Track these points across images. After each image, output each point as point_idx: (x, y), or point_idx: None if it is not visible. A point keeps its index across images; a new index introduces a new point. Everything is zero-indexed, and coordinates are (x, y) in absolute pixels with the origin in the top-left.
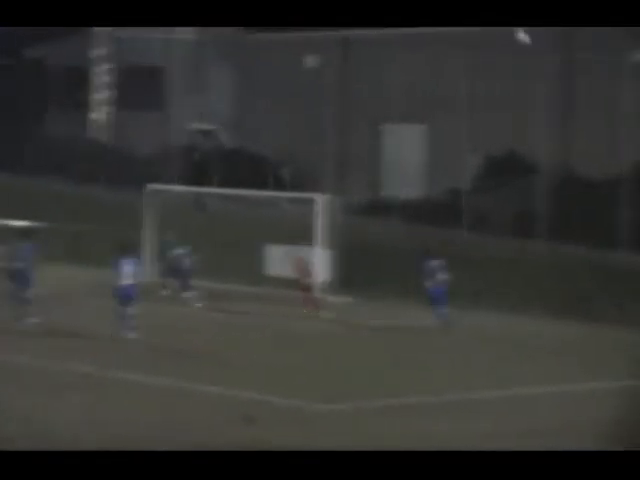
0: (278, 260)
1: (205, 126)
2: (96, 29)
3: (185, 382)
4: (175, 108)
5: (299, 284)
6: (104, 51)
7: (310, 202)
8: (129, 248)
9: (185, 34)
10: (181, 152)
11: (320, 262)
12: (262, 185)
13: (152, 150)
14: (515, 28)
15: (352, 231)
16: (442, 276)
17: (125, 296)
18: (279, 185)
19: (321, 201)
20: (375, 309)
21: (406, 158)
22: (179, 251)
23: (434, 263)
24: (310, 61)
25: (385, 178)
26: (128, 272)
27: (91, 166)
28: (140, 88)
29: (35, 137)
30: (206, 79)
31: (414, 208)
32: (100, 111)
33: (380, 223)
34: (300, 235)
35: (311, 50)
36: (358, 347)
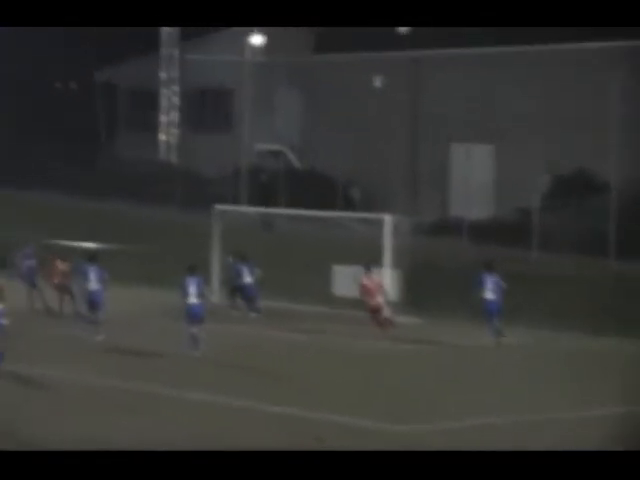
0: (346, 280)
1: (273, 147)
2: (165, 51)
3: (252, 401)
4: (243, 129)
5: (368, 305)
6: (173, 73)
7: (379, 222)
8: (196, 268)
9: (253, 56)
10: (249, 173)
11: (389, 282)
12: (331, 205)
13: (220, 171)
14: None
15: (421, 251)
16: (500, 291)
17: (193, 315)
18: (348, 205)
19: (390, 221)
20: (443, 330)
21: (475, 177)
22: (242, 270)
23: (495, 277)
24: (378, 81)
25: (454, 198)
26: (193, 291)
27: (160, 187)
28: (208, 110)
29: (104, 159)
30: (274, 100)
31: (483, 228)
32: (169, 133)
33: (449, 243)
34: (368, 255)
35: (379, 70)
36: (425, 367)
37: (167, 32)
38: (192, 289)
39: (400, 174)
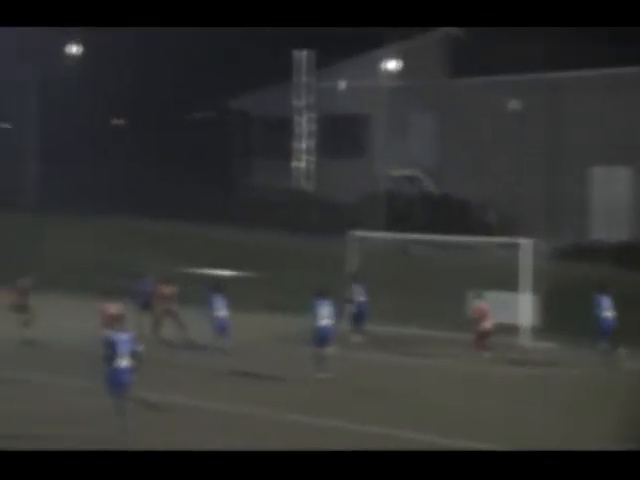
0: None
1: (408, 172)
2: (299, 79)
3: (379, 426)
4: (378, 155)
5: (480, 327)
6: (307, 100)
7: (516, 247)
8: (327, 291)
9: (387, 81)
10: (384, 198)
11: (524, 307)
12: (466, 230)
13: (355, 197)
14: None
15: (559, 275)
16: (612, 312)
17: (322, 337)
18: (484, 230)
19: (527, 245)
20: (578, 355)
21: (615, 201)
22: (356, 291)
23: (608, 299)
24: (514, 104)
25: (595, 221)
26: (324, 314)
27: (294, 214)
28: (342, 136)
29: (240, 187)
30: (408, 125)
31: (624, 251)
32: (303, 160)
33: (588, 267)
34: (505, 280)
35: (515, 94)
36: (554, 392)
37: (301, 60)
38: (322, 311)
39: (537, 197)
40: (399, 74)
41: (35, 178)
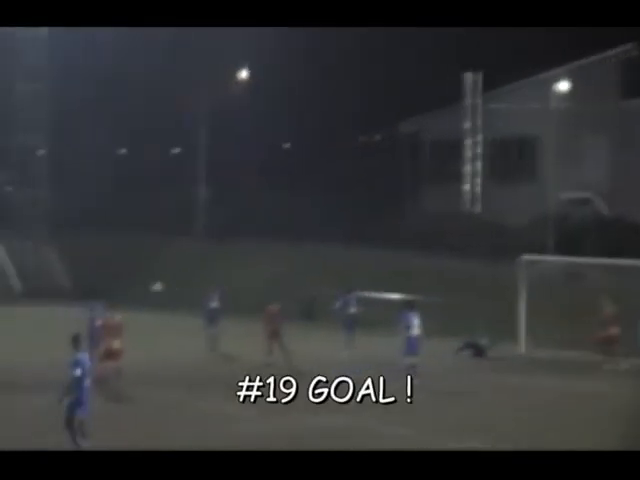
0: None
1: (580, 194)
2: (468, 102)
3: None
4: (549, 177)
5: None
6: (475, 123)
7: None
8: (413, 304)
9: (557, 103)
10: (556, 222)
11: None
12: None
13: (525, 220)
14: None
15: None
16: None
17: (411, 347)
18: None
19: None
20: None
21: None
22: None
23: None
24: None
25: None
26: (414, 324)
27: (465, 238)
28: (513, 159)
29: (410, 212)
30: (580, 147)
31: None
32: (473, 183)
33: None
34: None
35: None
36: None
37: (470, 82)
38: (413, 322)
39: None
40: (569, 95)
41: (205, 204)
